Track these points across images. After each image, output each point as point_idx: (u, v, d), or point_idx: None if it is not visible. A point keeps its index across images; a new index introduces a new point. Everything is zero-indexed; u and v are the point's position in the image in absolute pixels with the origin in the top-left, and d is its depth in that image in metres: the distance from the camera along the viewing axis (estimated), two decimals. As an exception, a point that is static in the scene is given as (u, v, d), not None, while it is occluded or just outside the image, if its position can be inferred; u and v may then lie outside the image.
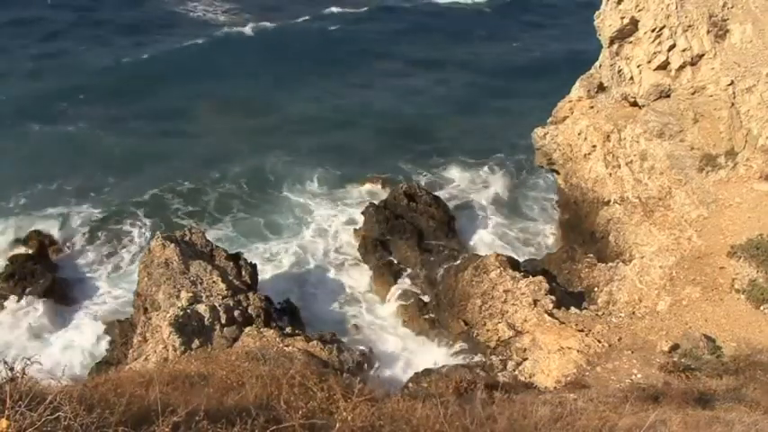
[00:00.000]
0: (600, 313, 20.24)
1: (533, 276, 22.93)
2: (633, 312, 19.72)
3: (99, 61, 48.29)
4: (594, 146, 27.39)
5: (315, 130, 40.18)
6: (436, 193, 33.11)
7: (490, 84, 47.18)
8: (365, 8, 62.18)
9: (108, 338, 24.29)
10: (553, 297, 21.31)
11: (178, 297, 21.68)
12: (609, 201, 26.78)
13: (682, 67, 24.23)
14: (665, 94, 24.90)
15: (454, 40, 54.94)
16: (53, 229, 30.84)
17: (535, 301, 21.12)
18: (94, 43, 51.50)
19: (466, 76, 48.73)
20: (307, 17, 59.38)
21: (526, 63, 50.82)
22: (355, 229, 31.20)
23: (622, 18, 25.15)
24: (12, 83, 44.66)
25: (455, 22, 59.59)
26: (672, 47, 24.23)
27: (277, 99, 43.62)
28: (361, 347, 22.28)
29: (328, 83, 46.45)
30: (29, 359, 5.60)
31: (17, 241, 29.31)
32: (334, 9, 61.62)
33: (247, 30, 56.59)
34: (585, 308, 21.34)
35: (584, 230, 27.82)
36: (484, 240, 31.28)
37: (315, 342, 20.30)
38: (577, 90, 28.72)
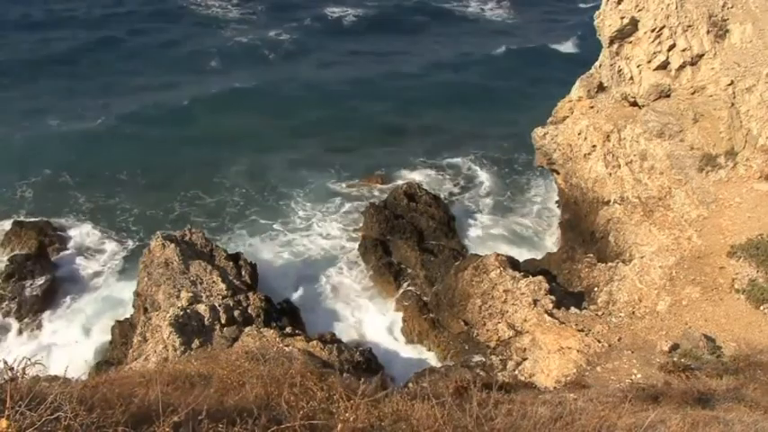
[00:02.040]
0: (600, 313, 20.24)
1: (533, 276, 22.95)
2: (633, 312, 19.72)
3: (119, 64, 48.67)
4: (594, 146, 27.38)
5: (315, 132, 40.21)
6: (436, 193, 33.14)
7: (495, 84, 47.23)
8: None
9: (108, 338, 24.28)
10: (553, 297, 21.33)
11: (178, 297, 21.70)
12: (609, 201, 26.77)
13: (682, 67, 24.23)
14: (665, 94, 24.89)
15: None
16: (53, 228, 30.85)
17: (535, 301, 21.13)
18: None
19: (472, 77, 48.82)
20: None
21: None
22: (355, 229, 31.21)
23: (622, 18, 25.14)
24: (25, 79, 44.92)
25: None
26: (672, 47, 24.23)
27: (277, 103, 43.64)
28: (361, 348, 22.28)
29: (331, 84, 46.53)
30: (29, 359, 5.60)
31: (17, 240, 29.32)
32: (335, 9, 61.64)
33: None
34: (585, 308, 21.35)
35: (584, 230, 27.83)
36: (484, 240, 31.29)
37: (315, 342, 20.32)
38: (577, 90, 28.70)
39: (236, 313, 21.46)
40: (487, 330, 22.29)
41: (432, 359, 23.36)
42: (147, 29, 56.24)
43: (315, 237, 31.39)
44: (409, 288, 27.07)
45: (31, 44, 51.64)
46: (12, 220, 30.83)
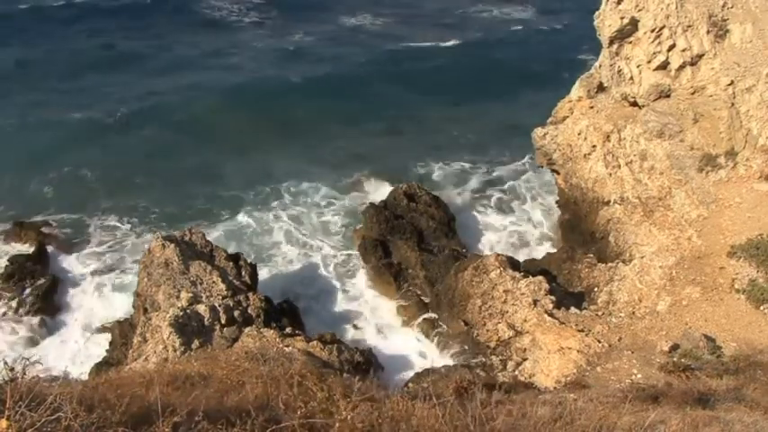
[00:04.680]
0: (600, 313, 20.25)
1: (533, 276, 22.94)
2: (633, 312, 19.73)
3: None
4: (594, 146, 27.38)
5: (314, 130, 40.25)
6: (436, 193, 33.14)
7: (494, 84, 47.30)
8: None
9: (108, 339, 24.27)
10: (553, 297, 21.32)
11: (178, 297, 21.69)
12: (609, 201, 26.77)
13: (681, 67, 24.23)
14: (664, 94, 24.89)
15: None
16: (53, 228, 30.87)
17: (535, 302, 21.13)
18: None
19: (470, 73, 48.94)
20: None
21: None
22: (355, 229, 31.19)
23: (622, 18, 25.13)
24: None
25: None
26: (672, 47, 24.23)
27: (276, 100, 43.83)
28: (362, 348, 22.27)
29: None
30: (29, 360, 5.61)
31: (17, 240, 29.36)
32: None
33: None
34: (585, 308, 21.35)
35: (584, 230, 27.82)
36: (484, 240, 31.28)
37: (315, 342, 20.32)
38: (577, 90, 28.70)
39: (236, 313, 21.45)
40: (487, 330, 22.28)
41: (432, 359, 23.34)
42: (164, 26, 56.54)
43: (315, 237, 31.38)
44: (409, 288, 27.06)
45: (49, 40, 51.87)
46: (11, 220, 30.92)
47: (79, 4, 58.60)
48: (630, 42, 25.57)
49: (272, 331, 20.43)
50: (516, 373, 18.71)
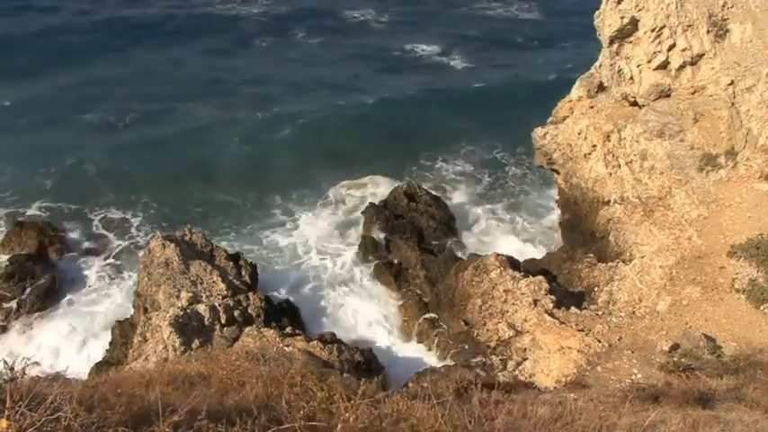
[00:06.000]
0: (600, 313, 20.24)
1: (533, 276, 22.94)
2: (633, 312, 19.72)
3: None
4: (594, 146, 27.37)
5: (312, 131, 40.25)
6: (436, 193, 33.12)
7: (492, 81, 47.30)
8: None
9: (108, 338, 24.27)
10: (553, 297, 21.32)
11: (178, 297, 21.70)
12: (609, 200, 26.76)
13: (682, 67, 24.22)
14: (665, 94, 24.88)
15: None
16: (53, 228, 30.85)
17: (535, 301, 21.12)
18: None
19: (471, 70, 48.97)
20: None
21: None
22: (355, 230, 31.18)
23: (622, 18, 25.12)
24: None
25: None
26: (672, 46, 24.22)
27: (277, 101, 43.84)
28: (362, 348, 22.27)
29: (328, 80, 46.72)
30: (29, 359, 5.61)
31: (17, 240, 29.34)
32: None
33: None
34: (585, 308, 21.34)
35: (584, 230, 27.81)
36: (484, 240, 31.26)
37: (315, 342, 20.32)
38: (577, 90, 28.69)
39: (236, 313, 21.46)
40: (487, 330, 22.29)
41: (432, 359, 23.35)
42: (174, 31, 56.69)
43: (315, 237, 31.36)
44: (409, 288, 27.06)
45: (55, 44, 51.90)
46: (11, 220, 30.92)
47: (96, 16, 58.87)
48: (631, 42, 25.56)
49: (272, 331, 20.44)
50: (516, 372, 18.71)
